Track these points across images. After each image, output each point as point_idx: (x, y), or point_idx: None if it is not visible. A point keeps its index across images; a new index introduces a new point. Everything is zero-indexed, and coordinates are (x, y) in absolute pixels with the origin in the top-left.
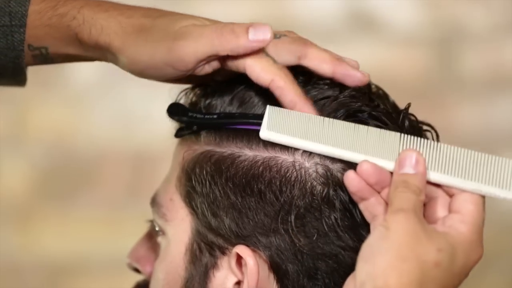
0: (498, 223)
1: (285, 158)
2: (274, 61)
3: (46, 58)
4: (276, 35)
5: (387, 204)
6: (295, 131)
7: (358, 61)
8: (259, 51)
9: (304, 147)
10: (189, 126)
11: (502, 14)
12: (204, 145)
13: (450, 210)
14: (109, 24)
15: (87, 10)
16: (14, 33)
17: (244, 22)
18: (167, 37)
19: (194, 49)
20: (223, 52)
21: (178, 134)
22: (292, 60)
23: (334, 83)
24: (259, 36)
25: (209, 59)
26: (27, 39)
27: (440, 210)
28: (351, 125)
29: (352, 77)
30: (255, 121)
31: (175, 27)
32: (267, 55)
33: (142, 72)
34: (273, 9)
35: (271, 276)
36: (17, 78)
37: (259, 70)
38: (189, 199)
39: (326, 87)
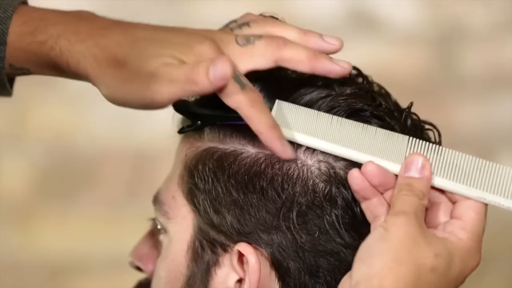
0: (498, 222)
1: None
2: (242, 85)
3: (29, 74)
4: (250, 40)
5: (389, 205)
6: (302, 127)
7: (358, 60)
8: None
9: (310, 144)
10: (193, 122)
11: (502, 13)
12: (207, 142)
13: (451, 216)
14: (85, 58)
15: (64, 40)
16: None
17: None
18: (139, 80)
19: (167, 95)
20: (194, 94)
21: (181, 130)
22: (269, 65)
23: (334, 80)
24: (218, 75)
25: (182, 97)
26: (8, 59)
27: (441, 216)
28: (360, 125)
29: (332, 72)
30: None
31: (147, 67)
32: (235, 79)
33: (122, 105)
34: (272, 8)
35: (273, 273)
36: (0, 92)
37: (225, 97)
38: (191, 196)
39: (327, 85)
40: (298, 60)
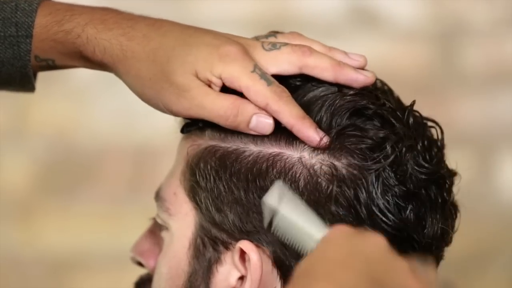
0: (499, 219)
1: (290, 154)
2: (269, 82)
3: (53, 67)
4: (276, 46)
5: None
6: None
7: None
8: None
9: None
10: (196, 122)
11: (504, 9)
12: (209, 140)
13: None
14: (112, 46)
15: (91, 28)
16: (20, 44)
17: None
18: (171, 90)
19: (188, 112)
20: (221, 125)
21: (184, 129)
22: (293, 70)
23: None
24: (259, 130)
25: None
26: (33, 50)
27: None
28: None
29: (356, 81)
30: None
31: (178, 78)
32: (261, 76)
33: (140, 98)
34: (275, 4)
35: (275, 271)
36: (25, 86)
37: (253, 95)
38: (193, 193)
39: (331, 83)
40: (322, 68)
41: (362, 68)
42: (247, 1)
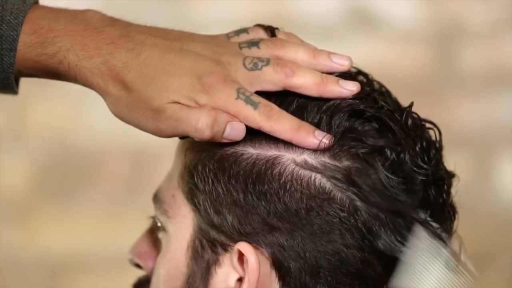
0: (497, 219)
1: (289, 156)
2: (255, 105)
3: (36, 77)
4: (258, 65)
5: None
6: None
7: (358, 58)
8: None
9: None
10: None
11: (502, 11)
12: (207, 142)
13: None
14: (93, 75)
15: (72, 55)
16: (4, 57)
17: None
18: (145, 111)
19: (170, 132)
20: (197, 138)
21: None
22: (277, 89)
23: None
24: (233, 137)
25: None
26: (17, 66)
27: None
28: None
29: (340, 96)
30: None
31: (154, 102)
32: (246, 101)
33: (126, 123)
34: (272, 5)
35: (273, 273)
36: (7, 92)
37: (244, 121)
38: (191, 196)
39: None
40: (306, 88)
41: (348, 71)
42: (245, 2)
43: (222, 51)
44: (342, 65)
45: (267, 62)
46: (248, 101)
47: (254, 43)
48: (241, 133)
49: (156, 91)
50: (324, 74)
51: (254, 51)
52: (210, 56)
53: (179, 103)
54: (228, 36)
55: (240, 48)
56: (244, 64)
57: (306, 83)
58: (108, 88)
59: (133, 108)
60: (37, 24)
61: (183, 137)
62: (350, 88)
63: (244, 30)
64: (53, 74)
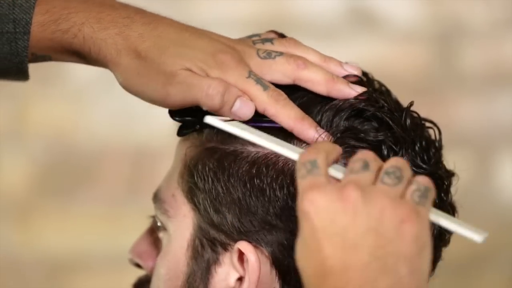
0: (497, 220)
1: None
2: (264, 87)
3: (49, 60)
4: (271, 55)
5: None
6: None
7: (358, 58)
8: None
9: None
10: (193, 124)
11: (502, 10)
12: (207, 141)
13: None
14: (107, 45)
15: (87, 28)
16: (18, 40)
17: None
18: (157, 77)
19: (180, 100)
20: (206, 108)
21: (181, 133)
22: (287, 82)
23: None
24: (241, 113)
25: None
26: (30, 48)
27: None
28: None
29: (348, 97)
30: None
31: (167, 67)
32: (257, 81)
33: (134, 95)
34: (272, 5)
35: (273, 272)
36: (20, 78)
37: (252, 99)
38: (191, 195)
39: None
40: (316, 82)
41: (355, 81)
42: (246, 2)
43: (236, 42)
44: (352, 73)
45: (281, 53)
46: (258, 81)
47: (268, 40)
48: (249, 111)
49: (170, 58)
50: (334, 74)
51: (268, 46)
52: (225, 42)
53: (191, 70)
54: (240, 38)
55: (254, 43)
56: (257, 53)
57: (316, 77)
58: (121, 58)
59: (144, 74)
60: (49, 3)
61: (182, 134)
62: (359, 91)
63: (256, 35)
64: (67, 52)
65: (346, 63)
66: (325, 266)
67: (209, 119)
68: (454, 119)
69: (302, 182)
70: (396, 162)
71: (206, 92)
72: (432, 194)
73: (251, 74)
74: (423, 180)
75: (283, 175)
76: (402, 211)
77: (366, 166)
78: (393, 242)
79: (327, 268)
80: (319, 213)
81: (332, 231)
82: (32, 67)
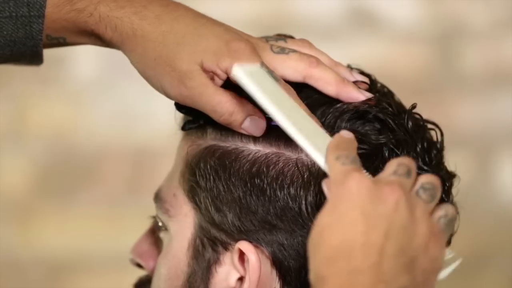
0: (498, 221)
1: (289, 155)
2: (276, 79)
3: (63, 44)
4: (285, 50)
5: None
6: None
7: (358, 58)
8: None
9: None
10: (197, 119)
11: (503, 11)
12: (209, 139)
13: None
14: (123, 24)
15: (103, 6)
16: (32, 24)
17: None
18: (173, 74)
19: (190, 103)
20: (213, 118)
21: (185, 127)
22: (297, 78)
23: None
24: (251, 131)
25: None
26: (45, 30)
27: None
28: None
29: (356, 100)
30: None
31: (183, 65)
32: (270, 72)
33: (144, 78)
34: (273, 5)
35: (274, 272)
36: (34, 62)
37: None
38: (192, 194)
39: None
40: (326, 81)
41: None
42: (246, 2)
43: (250, 36)
44: (360, 80)
45: (294, 50)
46: (270, 73)
47: (281, 38)
48: (259, 129)
49: (185, 51)
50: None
51: (281, 43)
52: (240, 34)
53: (202, 67)
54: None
55: (267, 40)
56: (271, 48)
57: (328, 77)
58: (136, 39)
59: (160, 63)
60: None
61: (187, 129)
62: (367, 96)
63: (268, 36)
64: (82, 32)
65: (355, 71)
66: (354, 242)
67: (235, 70)
68: (455, 120)
69: (342, 167)
70: (434, 180)
71: (214, 108)
72: (454, 225)
73: (263, 65)
74: (451, 210)
75: (283, 176)
76: (432, 230)
77: (409, 173)
78: (417, 251)
79: (357, 245)
80: (362, 193)
81: (369, 213)
82: (32, 67)
